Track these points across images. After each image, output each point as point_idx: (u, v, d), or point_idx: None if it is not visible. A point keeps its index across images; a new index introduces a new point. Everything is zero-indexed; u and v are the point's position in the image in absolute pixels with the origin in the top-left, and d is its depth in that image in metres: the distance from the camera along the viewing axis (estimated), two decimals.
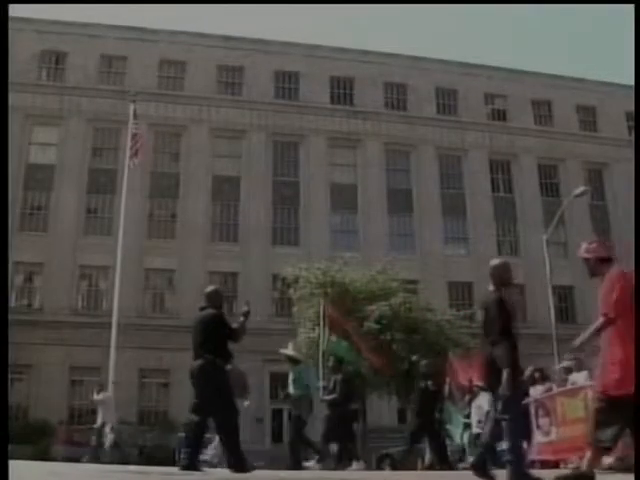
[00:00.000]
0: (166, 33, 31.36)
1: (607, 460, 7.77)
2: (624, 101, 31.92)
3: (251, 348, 20.84)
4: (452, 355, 16.80)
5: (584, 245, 5.53)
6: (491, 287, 5.90)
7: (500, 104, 34.31)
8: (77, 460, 15.13)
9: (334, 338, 14.83)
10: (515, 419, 5.62)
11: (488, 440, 6.01)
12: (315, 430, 11.37)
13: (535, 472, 6.15)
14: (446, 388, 11.53)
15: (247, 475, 6.29)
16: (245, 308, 7.25)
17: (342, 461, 10.87)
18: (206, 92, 30.93)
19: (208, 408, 6.78)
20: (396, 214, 31.13)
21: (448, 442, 12.16)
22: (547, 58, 72.43)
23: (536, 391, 10.26)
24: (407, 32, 78.12)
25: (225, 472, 6.78)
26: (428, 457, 11.64)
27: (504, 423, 5.62)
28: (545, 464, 9.42)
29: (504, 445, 5.62)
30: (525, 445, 10.33)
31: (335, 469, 10.51)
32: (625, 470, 6.98)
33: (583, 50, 76.66)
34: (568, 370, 10.36)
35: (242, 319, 7.18)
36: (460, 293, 29.70)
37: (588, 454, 5.06)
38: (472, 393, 12.40)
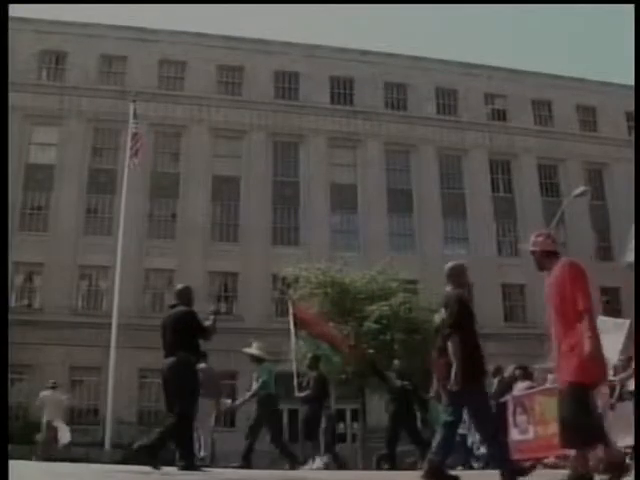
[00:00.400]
0: (166, 33, 31.36)
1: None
2: (624, 101, 31.89)
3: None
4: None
5: (531, 238, 5.47)
6: (449, 288, 5.99)
7: (500, 104, 34.30)
8: (77, 460, 15.13)
9: (303, 334, 14.80)
10: (481, 413, 5.56)
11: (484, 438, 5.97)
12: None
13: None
14: (433, 387, 11.48)
15: (247, 475, 6.30)
16: (213, 307, 7.26)
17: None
18: (206, 92, 30.93)
19: (174, 403, 6.70)
20: (396, 214, 31.13)
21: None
22: (547, 58, 72.50)
23: (516, 389, 10.23)
24: (407, 32, 78.16)
25: (226, 472, 6.78)
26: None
27: (472, 420, 5.57)
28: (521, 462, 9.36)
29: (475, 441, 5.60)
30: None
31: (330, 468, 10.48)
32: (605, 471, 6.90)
33: (583, 50, 76.70)
34: (549, 370, 10.26)
35: (212, 318, 7.16)
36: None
37: (573, 454, 5.01)
38: None
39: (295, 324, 13.25)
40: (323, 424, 12.04)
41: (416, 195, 31.74)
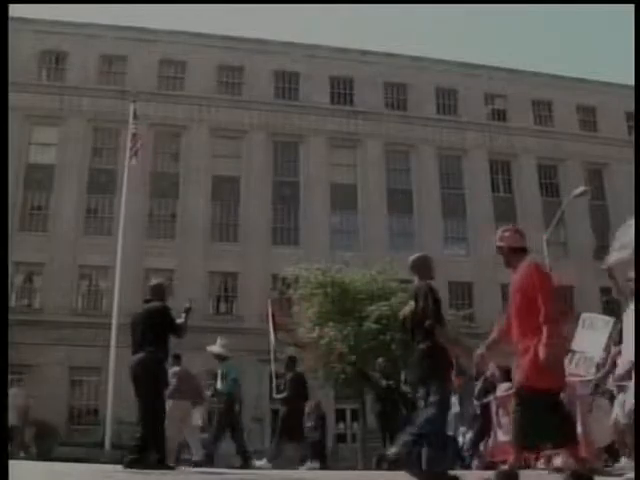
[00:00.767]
0: (166, 33, 31.35)
1: (556, 461, 7.74)
2: (624, 101, 31.89)
3: (251, 348, 20.95)
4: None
5: (498, 232, 5.31)
6: (416, 280, 5.83)
7: (500, 104, 34.30)
8: (77, 460, 15.12)
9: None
10: (437, 407, 5.36)
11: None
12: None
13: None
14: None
15: (247, 474, 6.30)
16: (187, 305, 7.21)
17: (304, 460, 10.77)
18: (206, 92, 30.93)
19: (141, 398, 6.66)
20: (396, 214, 31.12)
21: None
22: (547, 58, 72.49)
23: (499, 389, 10.16)
24: (407, 32, 78.15)
25: (226, 472, 6.77)
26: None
27: (423, 409, 5.38)
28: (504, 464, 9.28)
29: (414, 430, 5.29)
30: (483, 442, 10.28)
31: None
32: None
33: (583, 50, 76.69)
34: None
35: (184, 315, 7.11)
36: (460, 293, 29.69)
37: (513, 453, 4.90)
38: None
39: (274, 324, 13.30)
40: (311, 424, 12.03)
41: (416, 195, 31.74)
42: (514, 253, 5.15)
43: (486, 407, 10.30)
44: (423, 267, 5.87)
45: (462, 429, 11.08)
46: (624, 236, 6.28)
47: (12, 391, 15.72)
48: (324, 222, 30.00)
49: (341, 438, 26.76)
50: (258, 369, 22.80)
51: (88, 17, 61.59)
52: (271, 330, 13.27)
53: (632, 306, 5.86)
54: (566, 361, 8.46)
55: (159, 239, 28.68)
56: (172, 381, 9.98)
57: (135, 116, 20.68)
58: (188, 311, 7.15)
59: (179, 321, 7.02)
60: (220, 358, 10.52)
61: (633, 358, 5.59)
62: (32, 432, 16.51)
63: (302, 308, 21.28)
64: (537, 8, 72.17)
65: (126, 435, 19.48)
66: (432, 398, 5.37)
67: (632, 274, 5.84)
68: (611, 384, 7.26)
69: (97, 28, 30.35)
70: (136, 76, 29.81)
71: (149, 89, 29.29)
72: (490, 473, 5.09)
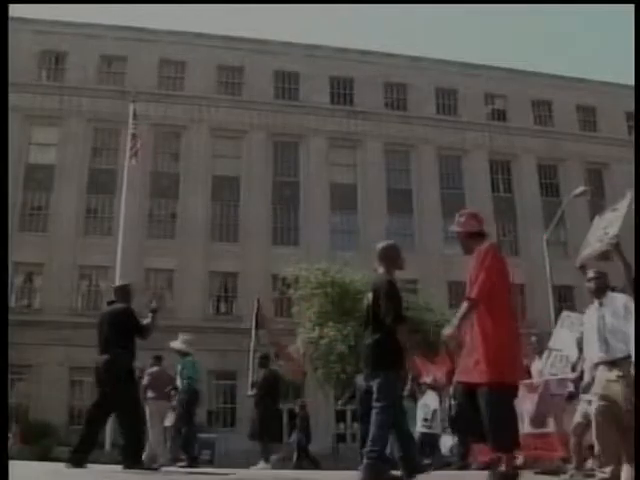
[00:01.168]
0: (166, 33, 31.35)
1: (518, 460, 7.71)
2: (624, 101, 31.91)
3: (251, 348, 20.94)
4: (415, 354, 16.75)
5: (456, 217, 5.13)
6: (380, 270, 5.54)
7: (500, 104, 34.31)
8: None
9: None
10: (386, 408, 5.17)
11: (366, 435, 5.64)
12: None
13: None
14: (407, 387, 11.38)
15: (247, 474, 6.30)
16: (153, 305, 7.20)
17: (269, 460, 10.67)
18: (206, 92, 30.93)
19: (113, 403, 6.65)
20: (396, 214, 31.11)
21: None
22: (547, 58, 72.49)
23: None
24: (407, 32, 78.16)
25: (226, 472, 6.77)
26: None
27: (373, 411, 5.19)
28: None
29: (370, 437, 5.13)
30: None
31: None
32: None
33: (583, 50, 76.69)
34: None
35: (151, 315, 7.09)
36: (460, 293, 29.56)
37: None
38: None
39: (257, 323, 13.29)
40: (297, 423, 11.94)
41: (416, 195, 31.74)
42: (471, 238, 4.96)
43: None
44: (391, 257, 5.59)
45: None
46: (591, 235, 6.28)
47: None
48: (324, 222, 30.00)
49: (341, 438, 26.75)
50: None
51: (88, 17, 61.63)
52: (253, 327, 13.29)
53: (592, 306, 5.84)
54: (542, 360, 8.45)
55: (159, 239, 28.68)
56: (148, 382, 10.04)
57: (135, 116, 20.72)
58: (155, 311, 7.12)
59: (145, 322, 7.00)
60: (181, 354, 10.48)
61: (596, 360, 5.55)
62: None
63: (302, 308, 21.28)
64: (537, 8, 72.23)
65: None
66: (376, 401, 5.22)
67: (591, 274, 5.84)
68: (562, 388, 7.15)
69: (97, 28, 30.35)
70: (136, 76, 29.80)
71: (149, 89, 29.28)
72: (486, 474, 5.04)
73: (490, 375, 4.43)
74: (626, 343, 5.35)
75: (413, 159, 32.47)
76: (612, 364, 5.35)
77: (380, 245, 5.68)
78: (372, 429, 5.13)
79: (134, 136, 20.23)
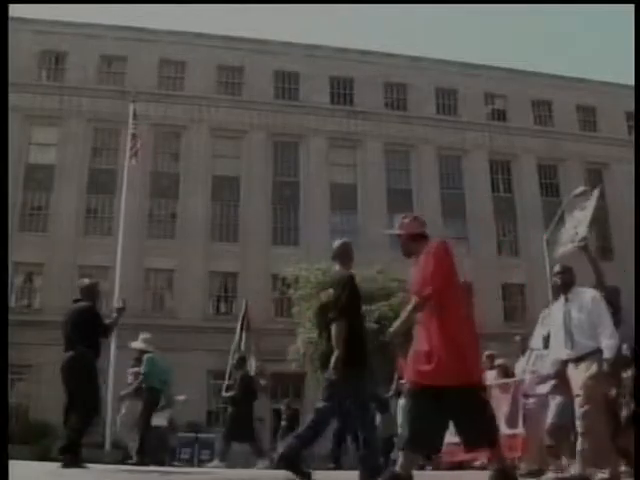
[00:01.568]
0: (166, 33, 31.36)
1: (480, 460, 7.67)
2: (624, 101, 31.91)
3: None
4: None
5: (397, 219, 5.10)
6: (337, 267, 5.66)
7: (500, 104, 34.30)
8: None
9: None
10: (360, 409, 5.09)
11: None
12: None
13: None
14: (392, 386, 11.37)
15: (246, 474, 6.29)
16: (118, 304, 7.26)
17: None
18: (206, 92, 30.93)
19: (76, 399, 6.64)
20: (396, 214, 30.91)
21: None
22: (547, 58, 72.51)
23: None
24: (407, 32, 78.17)
25: (227, 472, 6.77)
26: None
27: (354, 415, 5.12)
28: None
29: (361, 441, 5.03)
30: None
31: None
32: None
33: (583, 50, 76.69)
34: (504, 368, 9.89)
35: (115, 315, 7.14)
36: None
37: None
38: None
39: (242, 324, 13.37)
40: (285, 423, 11.95)
41: (416, 195, 31.72)
42: (413, 241, 4.94)
43: None
44: (346, 254, 5.73)
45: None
46: (564, 233, 6.30)
47: None
48: (324, 222, 29.98)
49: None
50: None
51: (88, 17, 61.63)
52: (238, 330, 13.34)
53: (559, 302, 5.81)
54: (523, 359, 8.44)
55: (159, 239, 28.68)
56: (130, 381, 10.13)
57: (135, 116, 20.67)
58: (120, 311, 7.17)
59: (108, 321, 7.10)
60: (142, 353, 10.59)
61: (564, 357, 5.52)
62: None
63: (302, 308, 21.26)
64: (537, 8, 72.24)
65: (126, 435, 19.51)
66: (321, 402, 5.21)
67: (556, 268, 5.85)
68: (541, 387, 7.08)
69: (97, 28, 30.35)
70: (136, 76, 29.80)
71: (149, 89, 29.27)
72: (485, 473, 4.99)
73: (459, 376, 4.21)
74: (593, 338, 5.32)
75: (413, 159, 32.46)
76: (578, 360, 5.32)
77: (335, 243, 5.89)
78: (360, 432, 5.17)
79: (134, 136, 20.18)
